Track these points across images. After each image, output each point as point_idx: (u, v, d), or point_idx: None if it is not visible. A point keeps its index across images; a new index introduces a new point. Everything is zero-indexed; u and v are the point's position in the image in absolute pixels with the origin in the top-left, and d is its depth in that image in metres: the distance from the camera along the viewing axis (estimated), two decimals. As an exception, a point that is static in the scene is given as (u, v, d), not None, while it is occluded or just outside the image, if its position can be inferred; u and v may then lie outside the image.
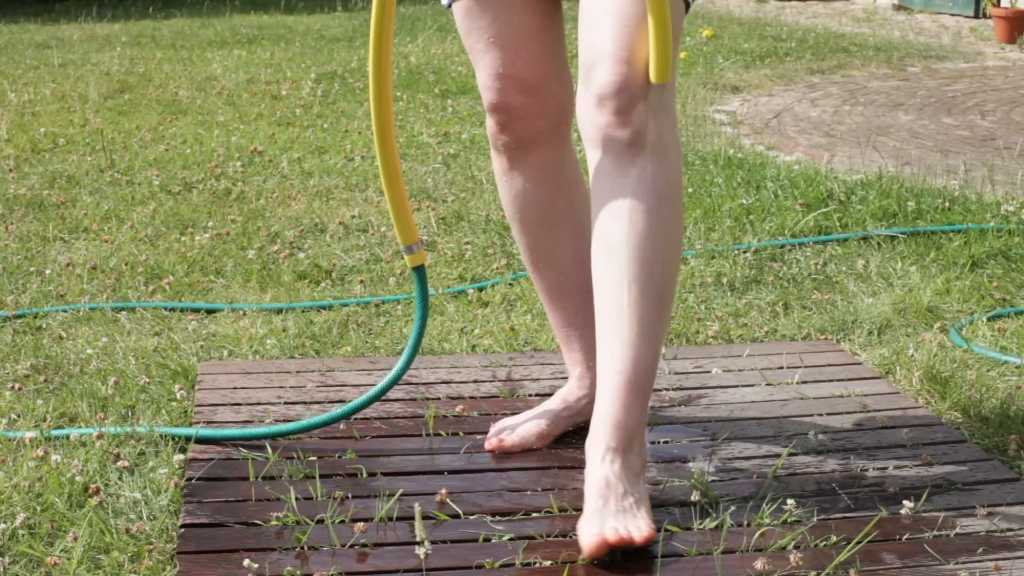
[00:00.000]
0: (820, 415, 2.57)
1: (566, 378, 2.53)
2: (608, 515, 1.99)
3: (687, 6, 2.15)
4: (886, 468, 2.33)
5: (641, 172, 2.02)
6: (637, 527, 1.97)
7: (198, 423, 2.49)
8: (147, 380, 2.71)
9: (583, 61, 2.05)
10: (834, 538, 2.05)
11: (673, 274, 2.06)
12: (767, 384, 2.74)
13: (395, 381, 2.40)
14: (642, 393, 2.05)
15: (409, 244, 2.30)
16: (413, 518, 2.10)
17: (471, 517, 2.13)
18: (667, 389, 2.69)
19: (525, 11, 2.23)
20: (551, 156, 2.32)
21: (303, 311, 3.24)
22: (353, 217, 4.13)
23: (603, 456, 2.03)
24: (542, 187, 2.34)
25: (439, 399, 2.64)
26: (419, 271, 2.34)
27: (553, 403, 2.43)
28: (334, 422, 2.44)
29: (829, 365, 2.85)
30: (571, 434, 2.44)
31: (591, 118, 2.03)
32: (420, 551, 1.94)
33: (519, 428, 2.40)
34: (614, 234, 2.03)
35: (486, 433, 2.44)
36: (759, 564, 1.96)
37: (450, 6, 2.27)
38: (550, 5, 2.26)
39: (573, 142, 2.41)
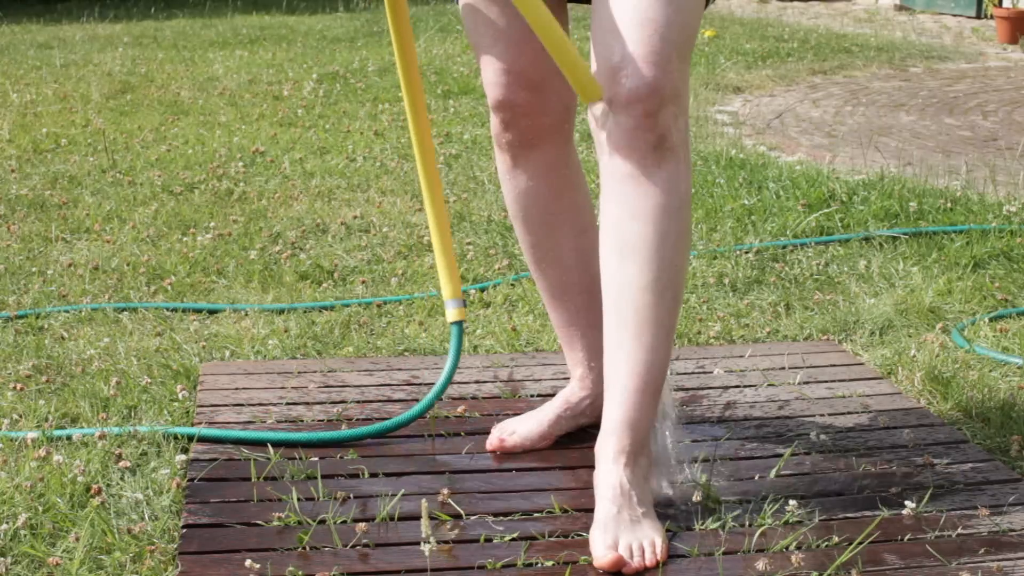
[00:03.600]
0: (822, 415, 2.57)
1: (568, 379, 2.53)
2: (622, 526, 2.00)
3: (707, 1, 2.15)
4: (888, 468, 2.33)
5: (666, 175, 2.02)
6: (651, 545, 1.99)
7: (200, 423, 2.49)
8: (149, 380, 2.72)
9: (603, 66, 2.03)
10: (836, 538, 2.05)
11: (685, 276, 2.08)
12: (769, 384, 2.74)
13: (408, 421, 2.45)
14: (655, 396, 2.07)
15: (453, 298, 2.39)
16: (414, 518, 2.10)
17: (472, 517, 2.13)
18: (669, 389, 2.69)
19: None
20: (555, 154, 2.32)
21: (305, 311, 3.24)
22: (355, 217, 4.13)
23: (615, 458, 2.04)
24: (545, 186, 2.33)
25: (440, 399, 2.64)
26: (458, 326, 2.41)
27: (555, 404, 2.43)
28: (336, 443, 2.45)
29: (831, 366, 2.85)
30: (573, 435, 2.44)
31: (614, 121, 2.01)
32: (426, 548, 1.94)
33: (521, 429, 2.40)
34: (633, 235, 2.02)
35: (487, 433, 2.44)
36: (761, 565, 1.96)
37: (457, 0, 2.27)
38: (555, 1, 2.26)
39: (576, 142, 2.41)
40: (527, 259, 2.43)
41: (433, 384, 2.73)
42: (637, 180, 2.02)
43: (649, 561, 1.97)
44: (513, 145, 2.30)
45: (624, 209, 2.03)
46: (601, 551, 1.97)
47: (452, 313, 2.40)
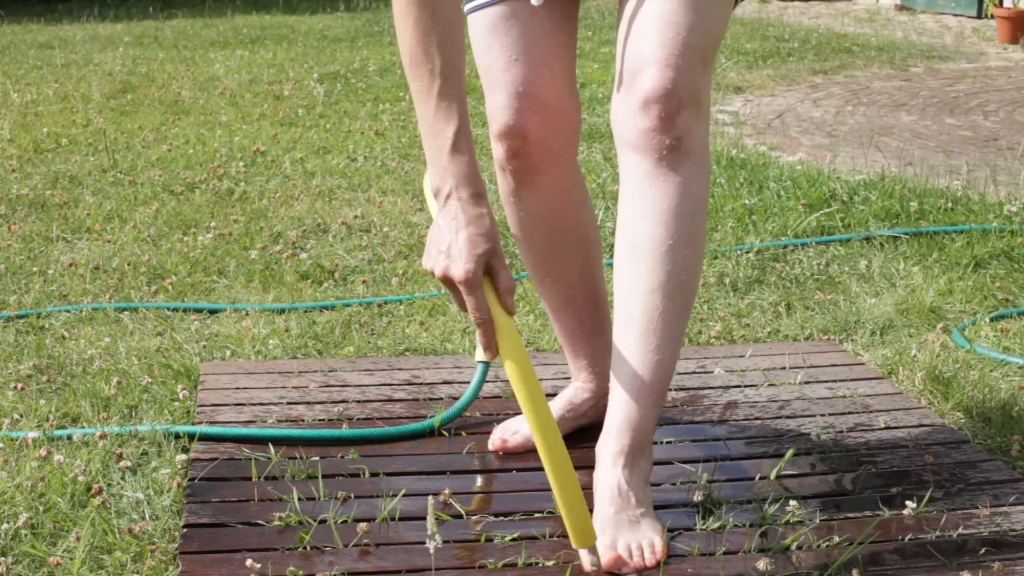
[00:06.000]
0: (822, 415, 2.57)
1: (568, 378, 2.53)
2: (621, 527, 2.00)
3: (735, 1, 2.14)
4: (889, 468, 2.33)
5: (681, 178, 2.00)
6: (650, 545, 1.98)
7: (200, 423, 2.49)
8: (150, 380, 2.72)
9: (626, 67, 2.02)
10: (837, 539, 2.05)
11: (697, 280, 2.06)
12: (770, 384, 2.74)
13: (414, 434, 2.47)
14: (660, 398, 2.06)
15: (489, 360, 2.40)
16: (415, 518, 2.10)
17: (473, 517, 2.13)
18: (670, 389, 2.68)
19: (552, 29, 2.19)
20: (561, 178, 2.27)
21: (305, 311, 3.24)
22: (356, 217, 4.13)
23: (615, 459, 2.04)
24: (550, 208, 2.29)
25: (442, 399, 2.64)
26: (484, 365, 2.48)
27: (557, 404, 2.43)
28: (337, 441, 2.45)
29: (832, 365, 2.85)
30: (575, 434, 2.44)
31: (632, 122, 2.00)
32: (431, 545, 1.94)
33: (523, 429, 2.39)
34: (646, 238, 2.01)
35: (489, 433, 2.44)
36: (762, 564, 1.96)
37: (468, 13, 2.21)
38: (571, 24, 2.23)
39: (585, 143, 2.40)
40: (531, 275, 2.41)
41: (434, 385, 2.73)
42: (651, 181, 2.01)
43: (648, 561, 1.97)
44: (519, 172, 2.23)
45: (637, 210, 2.02)
46: (600, 551, 1.97)
47: (481, 352, 2.40)
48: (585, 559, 1.93)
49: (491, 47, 2.19)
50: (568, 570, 1.97)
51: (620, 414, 2.05)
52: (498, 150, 2.22)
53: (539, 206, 2.28)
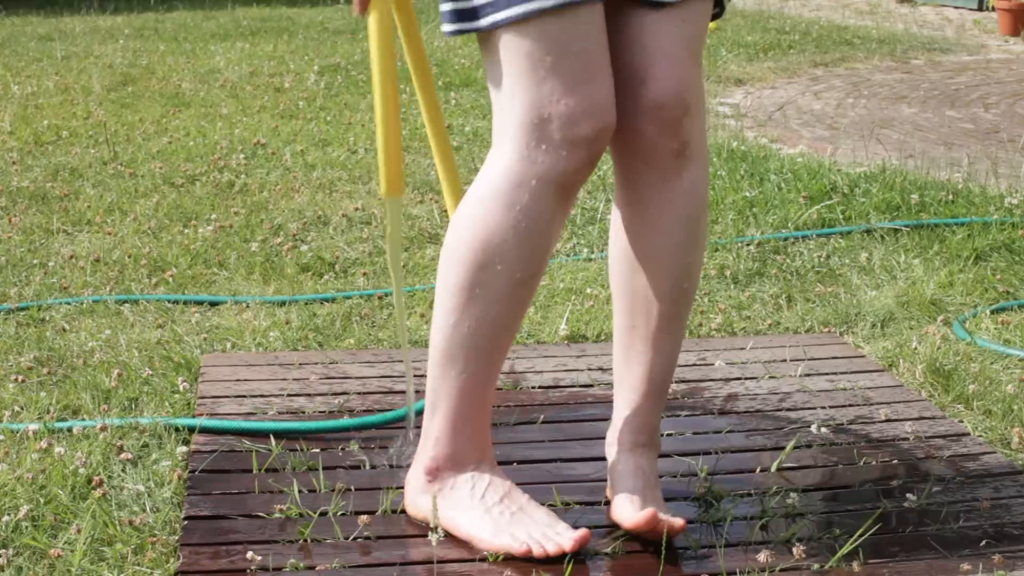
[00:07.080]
0: (823, 408, 2.57)
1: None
2: (648, 496, 2.02)
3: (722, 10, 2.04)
4: (889, 461, 2.33)
5: (687, 185, 1.97)
6: (675, 517, 2.00)
7: (201, 415, 2.49)
8: (150, 372, 2.72)
9: (628, 69, 1.93)
10: (837, 531, 2.06)
11: (698, 281, 2.07)
12: (770, 377, 2.74)
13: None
14: (665, 393, 2.10)
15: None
16: (416, 510, 2.10)
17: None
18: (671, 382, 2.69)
19: (605, 29, 1.93)
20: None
21: (306, 304, 3.24)
22: (356, 209, 4.13)
23: (631, 449, 2.08)
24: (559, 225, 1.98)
25: (442, 392, 2.64)
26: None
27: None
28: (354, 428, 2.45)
29: (832, 358, 2.85)
30: (573, 431, 2.44)
31: (636, 127, 1.94)
32: (433, 537, 1.94)
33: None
34: (650, 246, 2.00)
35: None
36: (762, 557, 1.96)
37: (506, 24, 1.85)
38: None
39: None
40: (455, 293, 2.00)
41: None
42: (658, 189, 1.97)
43: (678, 525, 1.98)
44: (579, 183, 1.93)
45: (642, 217, 2.00)
46: (633, 512, 1.98)
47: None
48: (388, 212, 1.95)
49: (588, 33, 1.86)
50: (570, 568, 1.97)
51: (630, 412, 2.09)
52: (575, 159, 1.88)
53: (558, 224, 1.96)
